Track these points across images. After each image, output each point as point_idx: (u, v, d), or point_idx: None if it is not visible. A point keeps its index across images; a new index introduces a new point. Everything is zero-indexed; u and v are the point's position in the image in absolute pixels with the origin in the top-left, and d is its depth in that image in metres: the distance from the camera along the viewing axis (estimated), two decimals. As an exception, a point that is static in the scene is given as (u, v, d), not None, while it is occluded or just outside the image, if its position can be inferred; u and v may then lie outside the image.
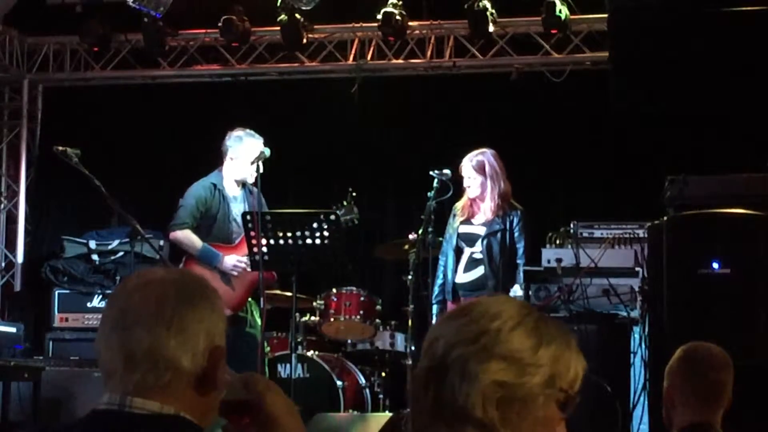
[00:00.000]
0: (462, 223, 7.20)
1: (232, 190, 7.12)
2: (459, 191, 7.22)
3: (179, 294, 1.90)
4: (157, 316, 1.86)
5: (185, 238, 6.97)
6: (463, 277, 7.17)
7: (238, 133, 7.10)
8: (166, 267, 2.03)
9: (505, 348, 1.73)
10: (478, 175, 7.09)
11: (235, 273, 6.94)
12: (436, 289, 7.15)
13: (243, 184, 7.13)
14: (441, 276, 7.20)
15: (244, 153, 6.98)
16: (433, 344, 1.78)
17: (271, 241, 6.48)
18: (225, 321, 1.96)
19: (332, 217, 6.52)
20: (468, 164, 7.11)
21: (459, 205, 7.24)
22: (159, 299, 1.88)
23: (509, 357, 1.73)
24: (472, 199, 7.17)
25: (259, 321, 6.91)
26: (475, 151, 7.16)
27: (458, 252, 7.18)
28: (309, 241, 6.44)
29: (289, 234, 6.44)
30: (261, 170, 6.80)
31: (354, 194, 7.10)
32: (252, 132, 7.10)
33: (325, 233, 6.44)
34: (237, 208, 7.05)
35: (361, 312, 7.57)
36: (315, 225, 6.44)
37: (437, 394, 1.74)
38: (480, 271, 7.13)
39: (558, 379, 1.75)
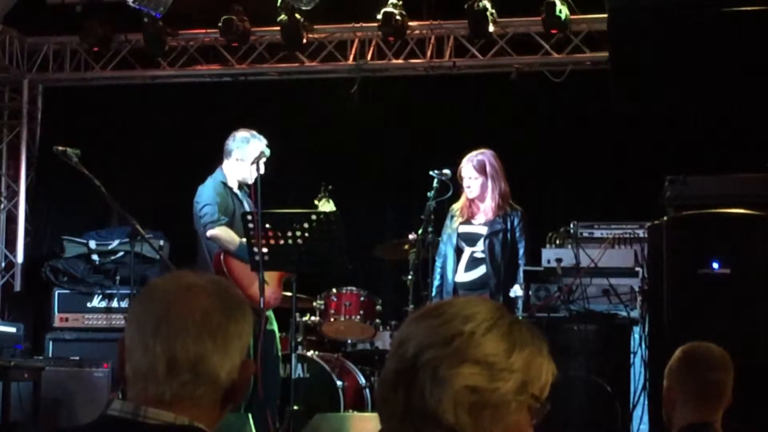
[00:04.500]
0: (462, 223, 7.19)
1: (236, 190, 7.15)
2: (457, 192, 7.21)
3: (224, 306, 1.88)
4: (203, 327, 1.84)
5: (226, 234, 6.94)
6: (464, 276, 7.17)
7: (243, 134, 7.10)
8: (197, 271, 1.97)
9: (478, 352, 1.69)
10: (479, 176, 7.09)
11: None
12: (434, 291, 7.14)
13: (241, 185, 7.15)
14: (438, 278, 7.18)
15: (250, 154, 6.99)
16: (403, 345, 1.73)
17: (271, 241, 6.48)
18: (249, 340, 1.94)
19: (332, 217, 6.52)
20: (468, 165, 7.11)
21: (456, 206, 7.23)
22: (205, 309, 1.86)
23: (482, 361, 1.68)
24: (471, 200, 7.17)
25: (274, 317, 6.99)
26: (475, 152, 7.16)
27: (458, 252, 7.18)
28: (309, 241, 6.44)
29: (289, 234, 6.44)
30: (262, 171, 6.80)
31: (329, 187, 7.10)
32: (256, 133, 7.11)
33: (325, 233, 6.44)
34: (245, 206, 7.05)
35: (361, 312, 7.57)
36: (315, 225, 6.44)
37: (407, 398, 1.70)
38: (481, 270, 7.13)
39: (530, 385, 1.71)
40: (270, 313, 7.05)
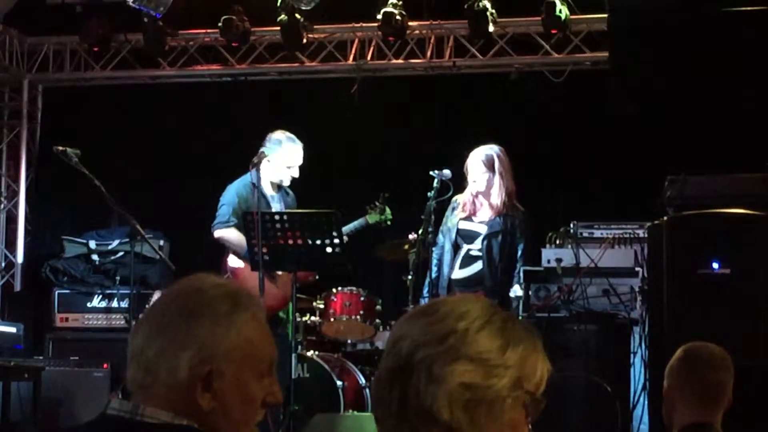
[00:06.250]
0: (463, 219, 7.17)
1: (269, 191, 7.16)
2: (461, 186, 7.19)
3: (189, 304, 1.87)
4: (154, 322, 1.87)
5: (232, 235, 6.97)
6: (459, 273, 7.15)
7: (278, 136, 7.14)
8: (215, 274, 1.98)
9: (472, 349, 1.69)
10: (486, 171, 7.06)
11: (279, 271, 6.93)
12: (426, 286, 7.08)
13: (279, 186, 7.17)
14: (435, 270, 7.16)
15: (281, 157, 7.02)
16: (397, 344, 1.73)
17: (272, 242, 6.48)
18: (237, 344, 1.83)
19: (332, 217, 6.52)
20: (477, 159, 7.08)
21: (460, 199, 7.19)
22: (169, 306, 1.88)
23: (476, 358, 1.69)
24: (475, 196, 7.15)
25: (291, 321, 6.98)
26: (484, 147, 7.14)
27: (455, 248, 7.16)
28: (309, 241, 6.44)
29: (289, 234, 6.44)
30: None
31: (387, 196, 7.16)
32: (292, 136, 7.15)
33: (326, 234, 6.45)
34: (275, 208, 7.06)
35: (361, 312, 7.57)
36: (315, 225, 6.44)
37: (402, 396, 1.70)
38: (477, 267, 7.11)
39: (525, 381, 1.72)
40: (287, 316, 7.02)
